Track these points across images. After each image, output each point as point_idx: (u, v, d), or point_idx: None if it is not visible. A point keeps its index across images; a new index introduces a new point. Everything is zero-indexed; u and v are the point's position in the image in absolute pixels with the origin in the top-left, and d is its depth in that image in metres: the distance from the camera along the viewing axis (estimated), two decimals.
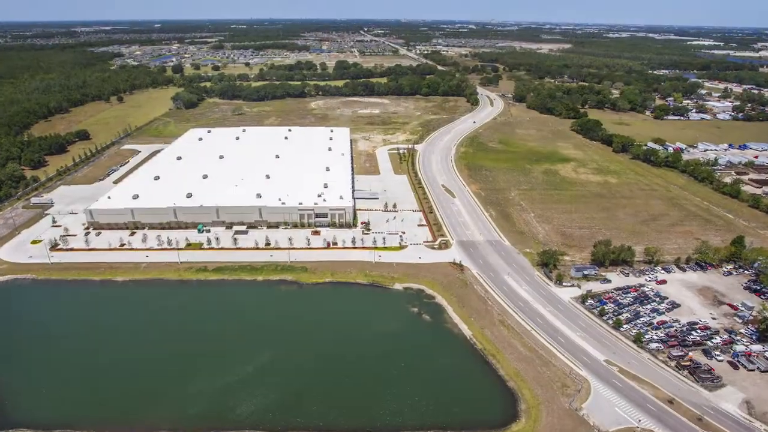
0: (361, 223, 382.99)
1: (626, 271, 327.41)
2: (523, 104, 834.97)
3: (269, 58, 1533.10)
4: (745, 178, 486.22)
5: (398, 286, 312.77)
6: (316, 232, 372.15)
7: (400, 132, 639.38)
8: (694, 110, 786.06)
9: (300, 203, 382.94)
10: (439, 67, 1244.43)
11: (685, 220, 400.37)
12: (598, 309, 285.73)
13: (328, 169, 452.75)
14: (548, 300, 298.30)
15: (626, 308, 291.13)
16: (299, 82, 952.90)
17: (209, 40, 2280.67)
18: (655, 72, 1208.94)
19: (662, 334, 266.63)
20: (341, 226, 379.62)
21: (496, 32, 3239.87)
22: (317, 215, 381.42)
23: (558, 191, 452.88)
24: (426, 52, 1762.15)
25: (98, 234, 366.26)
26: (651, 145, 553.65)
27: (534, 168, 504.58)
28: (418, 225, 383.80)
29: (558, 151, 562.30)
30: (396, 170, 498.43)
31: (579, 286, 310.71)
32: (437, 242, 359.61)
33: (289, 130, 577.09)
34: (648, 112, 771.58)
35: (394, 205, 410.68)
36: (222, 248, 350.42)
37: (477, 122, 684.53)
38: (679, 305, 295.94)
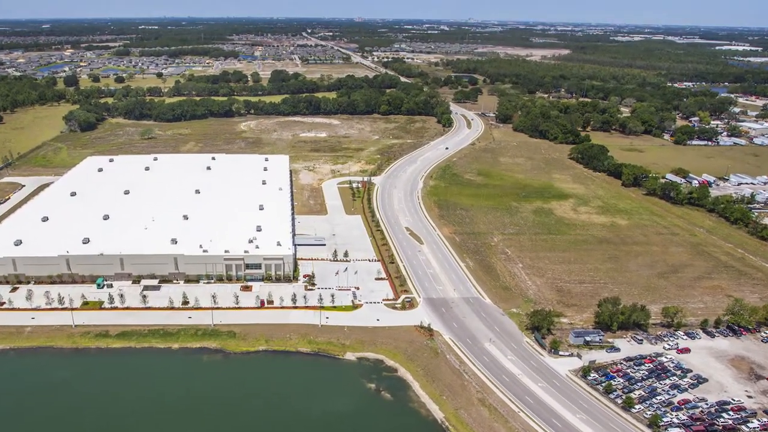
0: (304, 276, 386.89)
1: (639, 337, 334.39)
2: (508, 125, 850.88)
3: (187, 68, 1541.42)
4: None
5: (351, 356, 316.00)
6: (247, 288, 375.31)
7: (353, 161, 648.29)
8: (724, 133, 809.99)
9: (226, 251, 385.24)
10: (403, 79, 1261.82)
11: (714, 273, 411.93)
12: (603, 385, 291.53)
13: (261, 208, 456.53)
14: (540, 373, 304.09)
15: (639, 384, 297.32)
16: (225, 98, 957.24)
17: (112, 44, 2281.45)
18: (675, 85, 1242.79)
19: (685, 417, 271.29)
20: (278, 279, 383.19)
21: (474, 35, 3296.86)
22: (248, 266, 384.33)
23: (553, 236, 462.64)
24: (386, 59, 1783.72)
25: None
26: (670, 177, 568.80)
27: (522, 206, 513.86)
28: (376, 278, 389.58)
29: (553, 184, 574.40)
30: (348, 209, 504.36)
31: (579, 356, 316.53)
32: (400, 300, 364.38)
33: (213, 159, 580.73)
34: (667, 136, 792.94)
35: (346, 254, 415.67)
36: (128, 308, 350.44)
37: (450, 148, 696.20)
38: (706, 380, 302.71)
